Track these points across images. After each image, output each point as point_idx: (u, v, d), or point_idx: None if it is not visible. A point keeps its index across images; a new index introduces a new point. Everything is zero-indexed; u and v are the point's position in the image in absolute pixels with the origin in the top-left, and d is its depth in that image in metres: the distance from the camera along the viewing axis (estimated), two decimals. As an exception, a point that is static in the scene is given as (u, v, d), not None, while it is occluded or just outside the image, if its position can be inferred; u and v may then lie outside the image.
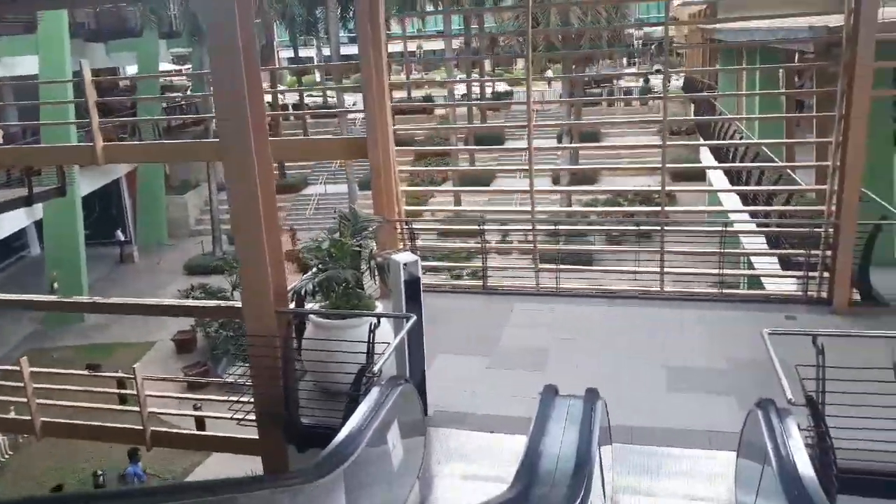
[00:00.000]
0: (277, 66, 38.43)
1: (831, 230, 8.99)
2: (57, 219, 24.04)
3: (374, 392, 5.10)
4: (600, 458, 4.57)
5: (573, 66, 29.11)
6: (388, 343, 5.96)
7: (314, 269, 7.04)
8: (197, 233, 34.17)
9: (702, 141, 24.50)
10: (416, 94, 49.45)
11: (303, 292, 6.92)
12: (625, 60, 58.31)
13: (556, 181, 32.59)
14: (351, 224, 7.21)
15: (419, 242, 10.58)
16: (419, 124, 39.50)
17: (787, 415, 4.55)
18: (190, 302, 11.50)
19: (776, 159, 13.71)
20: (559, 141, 37.26)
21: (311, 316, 7.05)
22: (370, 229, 7.57)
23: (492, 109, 43.87)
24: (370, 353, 5.92)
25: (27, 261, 30.25)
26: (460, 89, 41.85)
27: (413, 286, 6.44)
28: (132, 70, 32.95)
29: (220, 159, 7.39)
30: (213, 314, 9.25)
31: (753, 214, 11.45)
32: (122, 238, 31.83)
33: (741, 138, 18.24)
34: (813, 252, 9.19)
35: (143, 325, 23.19)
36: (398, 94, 49.12)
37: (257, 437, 7.05)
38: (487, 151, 37.18)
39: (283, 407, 6.41)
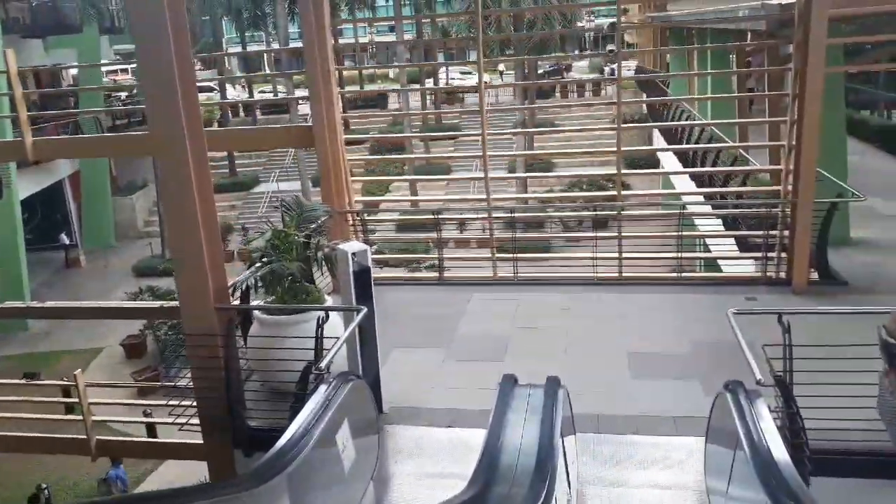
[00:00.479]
0: (224, 53, 37.28)
1: (788, 210, 8.92)
2: (-6, 222, 22.96)
3: (322, 390, 4.75)
4: (564, 449, 4.30)
5: (525, 54, 29.01)
6: (339, 338, 5.61)
7: (258, 263, 6.62)
8: (145, 234, 33.09)
9: (655, 124, 24.53)
10: (370, 88, 49.06)
11: (244, 287, 6.50)
12: (576, 52, 58.52)
13: (512, 171, 32.50)
14: (296, 214, 6.81)
15: (374, 235, 10.26)
16: (373, 117, 39.52)
17: (756, 396, 4.34)
18: (127, 304, 10.93)
19: (728, 140, 13.64)
20: (514, 138, 37.19)
21: (256, 313, 6.66)
22: (319, 221, 7.19)
23: (447, 103, 43.56)
24: (318, 350, 5.57)
25: (-35, 267, 28.87)
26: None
27: (363, 277, 6.08)
28: (75, 70, 31.68)
29: (151, 152, 6.93)
30: (151, 315, 8.77)
31: (709, 197, 11.35)
32: (67, 242, 30.61)
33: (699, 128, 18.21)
34: (771, 233, 9.12)
35: (91, 331, 22.27)
36: (351, 88, 48.76)
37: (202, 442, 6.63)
38: (442, 139, 36.89)
39: (227, 409, 6.01)
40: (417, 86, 37.20)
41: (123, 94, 35.42)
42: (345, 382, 4.91)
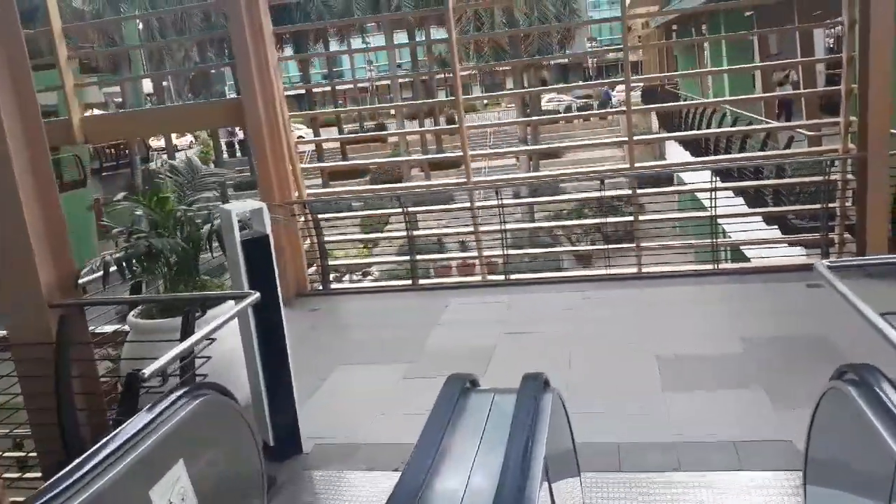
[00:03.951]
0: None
1: (849, 175, 6.97)
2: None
3: (143, 413, 2.76)
4: (553, 502, 2.29)
5: (523, 75, 27.22)
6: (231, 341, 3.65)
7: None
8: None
9: (667, 133, 22.57)
10: (368, 124, 47.78)
11: (90, 272, 4.55)
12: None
13: (517, 196, 30.60)
14: (186, 179, 4.91)
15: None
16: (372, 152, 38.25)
17: (902, 390, 2.32)
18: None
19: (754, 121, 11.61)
20: (517, 160, 35.41)
21: (129, 316, 4.73)
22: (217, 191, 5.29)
23: (448, 133, 41.97)
24: (187, 357, 3.65)
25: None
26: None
27: (258, 249, 4.11)
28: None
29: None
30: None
31: (738, 174, 9.32)
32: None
33: (713, 111, 16.18)
34: (829, 206, 7.15)
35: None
36: (350, 126, 47.53)
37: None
38: (438, 172, 35.18)
39: (62, 448, 4.03)
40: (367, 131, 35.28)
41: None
42: (189, 399, 2.91)
